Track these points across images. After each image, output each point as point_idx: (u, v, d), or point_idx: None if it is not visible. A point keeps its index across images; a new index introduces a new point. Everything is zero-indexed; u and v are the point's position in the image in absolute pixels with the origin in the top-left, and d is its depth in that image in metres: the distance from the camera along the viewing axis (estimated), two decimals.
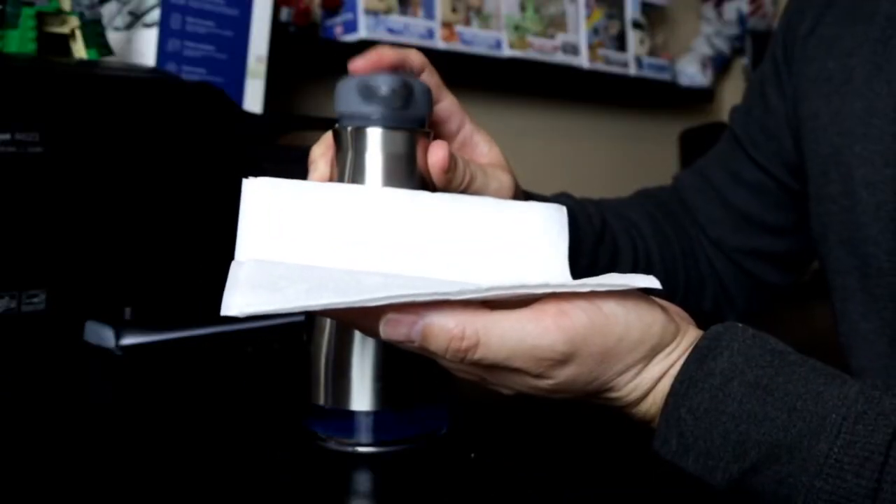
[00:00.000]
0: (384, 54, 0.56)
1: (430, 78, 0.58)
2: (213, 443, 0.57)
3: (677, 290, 0.84)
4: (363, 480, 0.52)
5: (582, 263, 0.74)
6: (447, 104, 0.60)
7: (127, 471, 0.51)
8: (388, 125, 0.53)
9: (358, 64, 0.55)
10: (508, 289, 0.44)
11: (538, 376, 0.46)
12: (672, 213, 0.86)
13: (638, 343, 0.47)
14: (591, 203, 0.81)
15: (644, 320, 0.47)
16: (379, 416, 0.53)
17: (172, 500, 0.48)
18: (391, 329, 0.44)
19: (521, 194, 0.66)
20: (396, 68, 0.56)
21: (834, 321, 0.72)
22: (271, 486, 0.49)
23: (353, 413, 0.53)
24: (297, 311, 0.42)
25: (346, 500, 0.50)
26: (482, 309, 0.45)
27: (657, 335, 0.47)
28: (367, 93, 0.53)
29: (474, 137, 0.62)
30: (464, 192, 0.58)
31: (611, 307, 0.46)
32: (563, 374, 0.46)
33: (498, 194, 0.60)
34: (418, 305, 0.44)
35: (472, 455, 0.55)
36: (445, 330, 0.44)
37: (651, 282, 0.46)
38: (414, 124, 0.54)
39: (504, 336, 0.44)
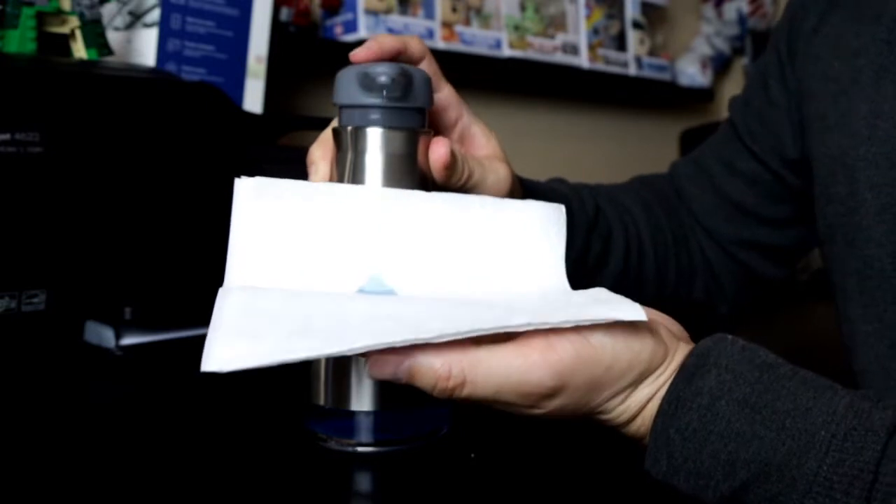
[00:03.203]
0: (384, 43, 0.56)
1: (428, 66, 0.59)
2: (213, 443, 0.57)
3: (668, 278, 0.84)
4: (363, 480, 0.52)
5: (575, 250, 0.74)
6: (446, 94, 0.61)
7: (127, 471, 0.51)
8: (388, 118, 0.53)
9: (359, 54, 0.55)
10: (489, 329, 0.44)
11: (528, 407, 0.46)
12: (666, 200, 0.86)
13: (626, 371, 0.46)
14: (585, 188, 0.81)
15: (632, 348, 0.47)
16: (379, 416, 0.53)
17: (172, 500, 0.48)
18: (377, 369, 0.44)
19: (518, 184, 0.66)
20: (397, 56, 0.57)
21: (838, 322, 0.72)
22: (271, 486, 0.49)
23: (353, 413, 0.53)
24: (278, 364, 0.42)
25: (346, 500, 0.50)
26: (468, 346, 0.44)
27: (646, 361, 0.47)
28: (367, 82, 0.53)
29: (472, 128, 0.63)
30: (462, 186, 0.58)
31: (598, 338, 0.46)
32: (552, 405, 0.46)
33: (496, 186, 0.60)
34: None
35: (472, 455, 0.55)
36: (432, 370, 0.44)
37: (637, 314, 0.45)
38: (414, 114, 0.54)
39: (490, 373, 0.44)
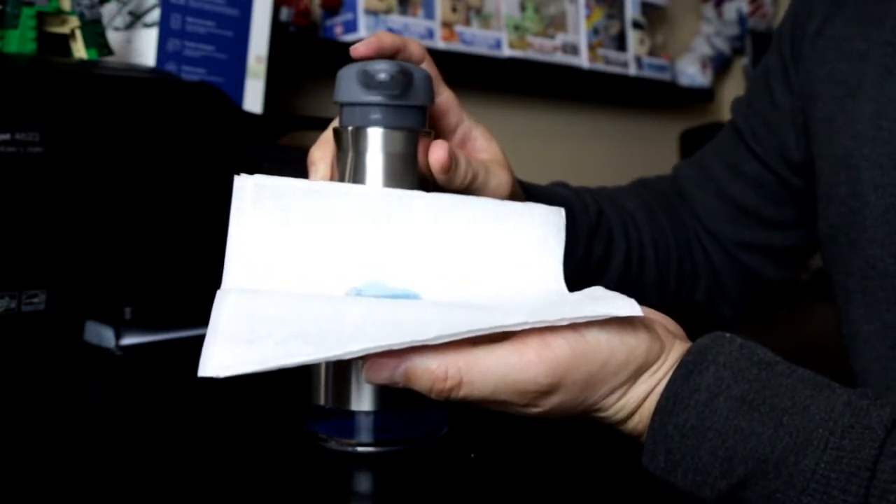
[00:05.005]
0: (384, 39, 0.56)
1: (428, 70, 0.59)
2: (213, 443, 0.57)
3: (669, 281, 0.84)
4: (363, 480, 0.52)
5: (577, 254, 0.74)
6: (445, 98, 0.61)
7: (127, 471, 0.51)
8: (388, 115, 0.53)
9: (359, 49, 0.55)
10: (485, 329, 0.44)
11: (525, 405, 0.46)
12: (669, 203, 0.86)
13: (622, 366, 0.46)
14: (587, 192, 0.81)
15: (628, 343, 0.47)
16: (379, 416, 0.53)
17: (172, 500, 0.48)
18: (374, 374, 0.44)
19: (519, 189, 0.66)
20: (396, 54, 0.57)
21: (838, 323, 0.72)
22: (272, 487, 0.49)
23: (353, 413, 0.53)
24: (274, 369, 0.42)
25: (346, 500, 0.50)
26: (464, 346, 0.45)
27: (641, 356, 0.47)
28: (367, 79, 0.53)
29: (472, 132, 0.63)
30: (465, 189, 0.58)
31: (594, 334, 0.46)
32: (549, 403, 0.46)
33: (497, 191, 0.60)
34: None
35: (472, 455, 0.55)
36: (428, 371, 0.44)
37: (632, 309, 0.45)
38: (414, 112, 0.54)
39: (487, 373, 0.44)
